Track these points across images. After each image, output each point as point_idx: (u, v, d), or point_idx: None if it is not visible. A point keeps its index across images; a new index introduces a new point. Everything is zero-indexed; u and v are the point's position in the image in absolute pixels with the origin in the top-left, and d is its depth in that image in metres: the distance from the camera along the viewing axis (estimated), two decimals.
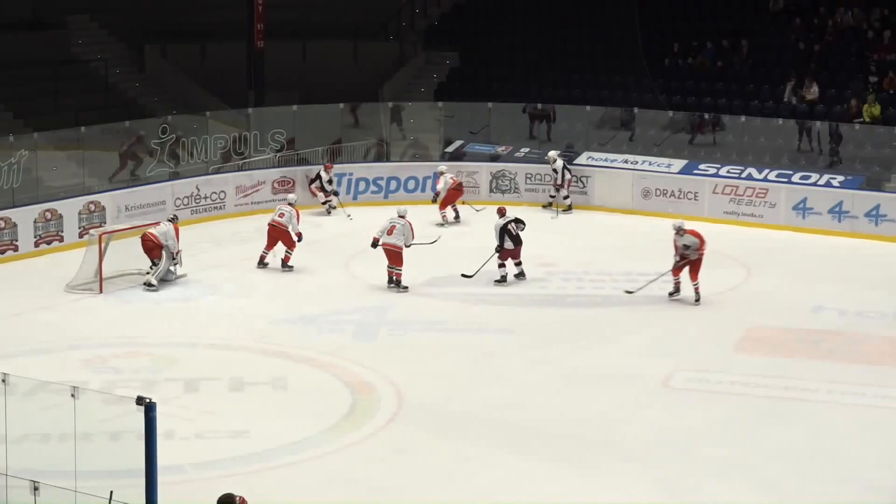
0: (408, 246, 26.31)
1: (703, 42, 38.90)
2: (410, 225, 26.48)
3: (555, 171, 33.67)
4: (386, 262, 26.20)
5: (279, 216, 27.67)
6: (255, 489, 13.97)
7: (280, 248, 27.49)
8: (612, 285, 26.73)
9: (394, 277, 26.09)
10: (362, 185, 34.66)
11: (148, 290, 25.81)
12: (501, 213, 27.17)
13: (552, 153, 33.94)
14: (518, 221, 26.64)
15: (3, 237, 28.33)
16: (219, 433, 18.67)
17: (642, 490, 16.88)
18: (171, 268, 26.32)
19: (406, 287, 25.99)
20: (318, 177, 33.46)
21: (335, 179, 33.67)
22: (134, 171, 32.22)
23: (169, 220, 26.63)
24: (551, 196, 34.02)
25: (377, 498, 16.58)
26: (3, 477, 13.62)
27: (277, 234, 27.59)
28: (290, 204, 28.23)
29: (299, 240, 27.65)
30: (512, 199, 34.15)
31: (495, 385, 20.67)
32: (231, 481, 14.75)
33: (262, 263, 27.60)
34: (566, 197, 33.88)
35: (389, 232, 26.27)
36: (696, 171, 33.78)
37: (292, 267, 27.48)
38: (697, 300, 25.19)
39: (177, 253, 26.15)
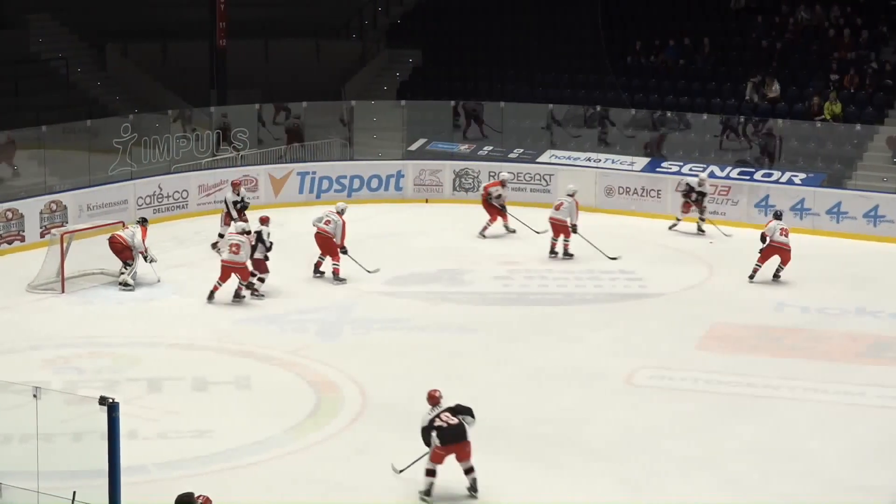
0: (341, 248, 26.41)
1: (665, 40, 39.02)
2: (343, 223, 26.56)
3: (702, 193, 31.20)
4: (342, 261, 26.25)
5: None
6: (218, 489, 13.95)
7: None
8: (575, 283, 26.81)
9: (320, 268, 26.45)
10: (325, 184, 34.61)
11: (124, 289, 25.63)
12: (432, 399, 17.09)
13: (703, 174, 31.99)
14: (459, 411, 16.90)
15: None
16: (182, 433, 18.63)
17: (606, 488, 16.94)
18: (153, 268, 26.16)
19: (344, 279, 26.17)
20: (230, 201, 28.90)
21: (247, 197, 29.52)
22: None
23: (137, 223, 26.47)
24: (701, 219, 31.30)
25: (342, 497, 16.59)
26: None
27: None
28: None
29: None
30: (475, 199, 34.13)
31: (459, 384, 20.58)
32: (195, 481, 14.71)
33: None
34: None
35: (326, 223, 26.50)
36: (658, 169, 33.91)
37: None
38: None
39: (146, 251, 25.91)
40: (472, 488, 16.64)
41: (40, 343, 22.63)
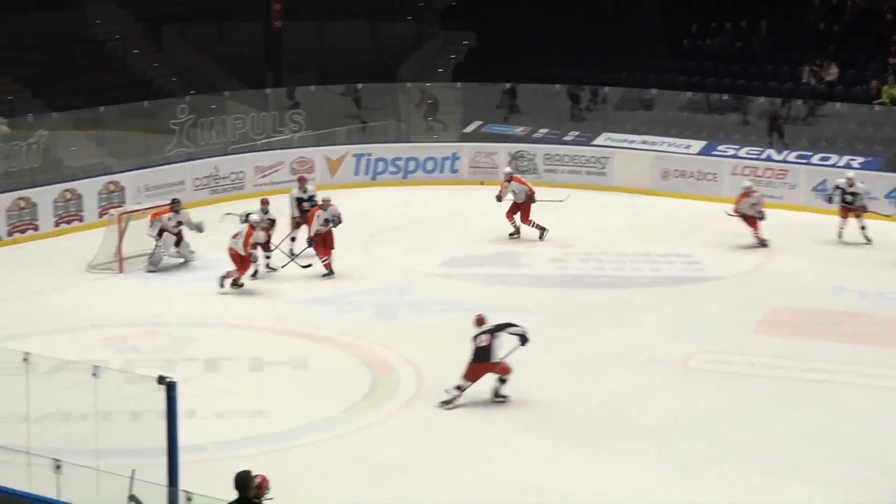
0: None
1: (721, 23, 38.74)
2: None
3: (854, 194, 28.63)
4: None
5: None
6: (275, 469, 13.93)
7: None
8: (632, 266, 26.69)
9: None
10: (381, 166, 34.63)
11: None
12: (478, 322, 19.25)
13: (850, 173, 29.38)
14: (502, 328, 19.18)
15: (23, 217, 28.40)
16: (239, 412, 18.69)
17: (661, 472, 16.85)
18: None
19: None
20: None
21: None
22: None
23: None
24: (862, 227, 28.62)
25: (396, 478, 16.58)
26: (25, 455, 13.64)
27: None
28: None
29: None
30: (531, 180, 34.02)
31: (514, 366, 20.60)
32: (251, 460, 14.72)
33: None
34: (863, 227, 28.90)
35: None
36: (715, 152, 33.70)
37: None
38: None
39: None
40: (497, 394, 18.89)
41: (99, 322, 22.77)
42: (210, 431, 17.69)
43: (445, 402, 18.76)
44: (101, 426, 14.24)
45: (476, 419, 18.47)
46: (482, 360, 18.78)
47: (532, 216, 28.67)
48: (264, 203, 26.20)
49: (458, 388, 18.75)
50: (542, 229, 28.50)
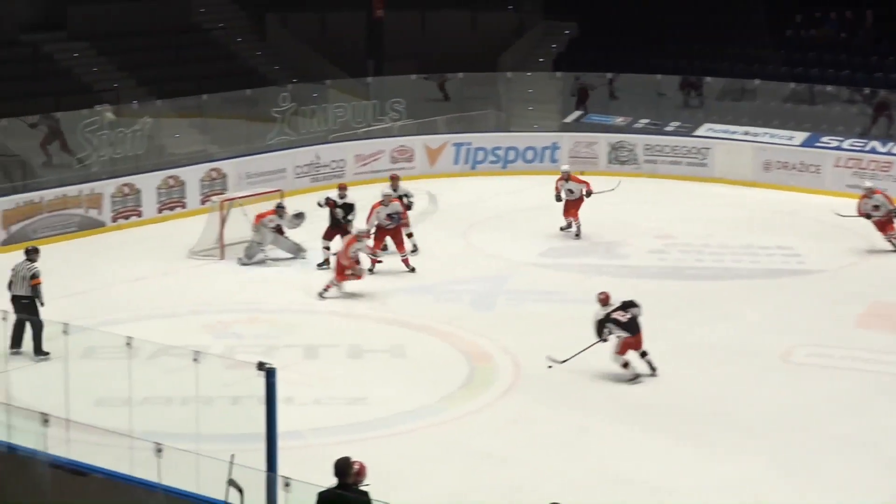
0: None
1: (826, 13, 38.26)
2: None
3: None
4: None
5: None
6: (372, 456, 13.99)
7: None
8: (732, 258, 26.47)
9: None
10: (480, 155, 34.63)
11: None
12: (603, 301, 20.17)
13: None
14: (628, 306, 19.96)
15: (127, 203, 28.77)
16: (337, 399, 18.81)
17: (760, 466, 16.70)
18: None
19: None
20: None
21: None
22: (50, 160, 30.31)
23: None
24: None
25: (494, 467, 16.59)
26: (127, 439, 13.81)
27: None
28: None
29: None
30: (631, 171, 33.94)
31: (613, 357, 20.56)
32: (349, 447, 14.76)
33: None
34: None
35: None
36: (818, 144, 33.32)
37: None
38: None
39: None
40: (652, 367, 19.67)
41: (200, 308, 23.01)
42: (308, 418, 17.80)
43: (632, 380, 19.47)
44: (202, 411, 14.37)
45: (575, 411, 18.43)
46: (636, 332, 19.60)
47: (580, 212, 28.07)
48: (342, 188, 26.26)
49: (626, 364, 19.49)
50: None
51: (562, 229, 28.15)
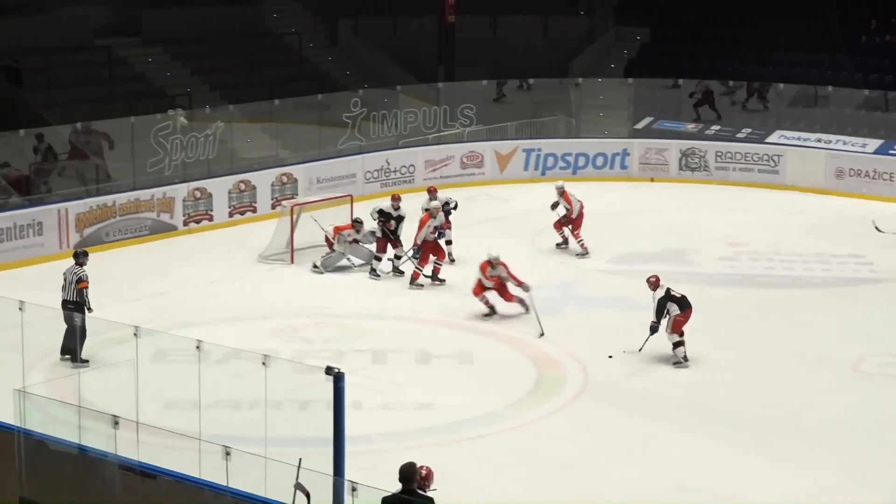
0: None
1: None
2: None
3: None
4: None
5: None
6: (440, 461, 14.02)
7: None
8: (803, 266, 26.26)
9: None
10: (550, 161, 34.55)
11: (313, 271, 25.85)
12: (654, 283, 21.02)
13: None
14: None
15: (198, 207, 28.96)
16: (405, 405, 18.86)
17: (829, 475, 16.58)
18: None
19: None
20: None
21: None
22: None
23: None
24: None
25: (561, 473, 16.57)
26: (196, 442, 13.89)
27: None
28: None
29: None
30: (702, 178, 33.76)
31: (683, 364, 20.47)
32: (416, 453, 14.84)
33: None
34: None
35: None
36: (891, 152, 32.97)
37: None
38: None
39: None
40: (684, 358, 20.29)
41: (270, 312, 23.12)
42: (376, 422, 17.86)
43: (678, 363, 20.29)
44: (270, 415, 14.42)
45: (642, 418, 18.37)
46: (688, 308, 20.48)
47: (582, 232, 27.13)
48: (395, 199, 26.15)
49: (679, 343, 20.32)
50: (585, 251, 27.00)
51: (558, 246, 27.52)
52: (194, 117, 31.24)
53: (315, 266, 25.74)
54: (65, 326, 19.43)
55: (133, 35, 37.10)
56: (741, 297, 24.29)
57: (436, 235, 25.15)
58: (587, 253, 26.89)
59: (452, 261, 26.10)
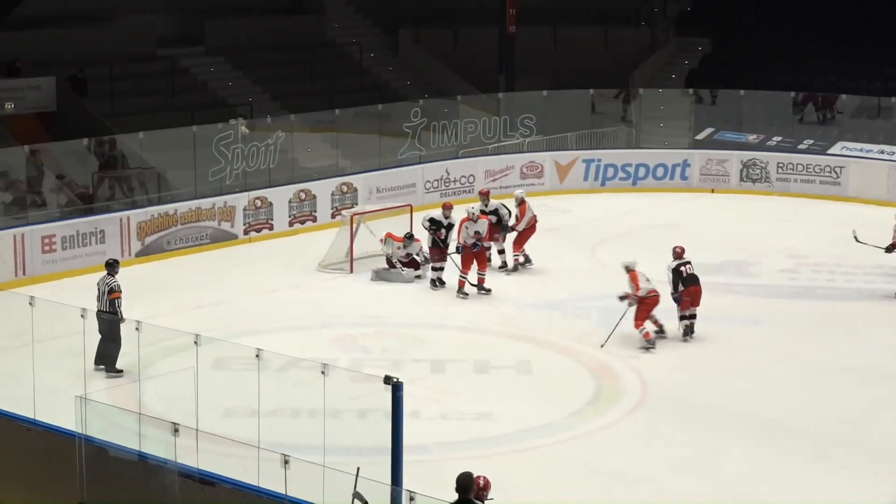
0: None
1: None
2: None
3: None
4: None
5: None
6: (498, 472, 13.99)
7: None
8: (865, 279, 26.03)
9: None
10: (610, 172, 34.47)
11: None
12: (679, 253, 22.36)
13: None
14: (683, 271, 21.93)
15: (259, 216, 29.09)
16: (463, 415, 18.81)
17: (890, 491, 16.39)
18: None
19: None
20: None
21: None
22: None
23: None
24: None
25: (619, 486, 16.47)
26: (254, 450, 13.93)
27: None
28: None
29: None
30: (762, 189, 33.57)
31: (741, 377, 20.34)
32: (474, 463, 14.81)
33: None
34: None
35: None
36: None
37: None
38: None
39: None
40: (689, 330, 21.75)
41: (329, 321, 23.17)
42: (434, 432, 17.84)
43: (687, 333, 21.73)
44: (328, 423, 14.43)
45: (702, 431, 18.25)
46: (697, 283, 21.82)
47: (525, 244, 26.64)
48: (447, 207, 26.12)
49: (689, 317, 21.77)
50: (521, 263, 26.50)
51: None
52: (255, 127, 31.37)
53: (374, 274, 25.77)
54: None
55: (196, 44, 37.36)
56: (802, 310, 24.10)
57: (476, 241, 24.83)
58: (516, 269, 26.46)
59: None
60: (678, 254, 22.21)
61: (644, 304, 21.40)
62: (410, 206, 27.87)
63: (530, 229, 26.54)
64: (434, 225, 25.62)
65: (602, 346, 21.38)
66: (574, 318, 23.43)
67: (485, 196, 26.83)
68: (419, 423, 17.40)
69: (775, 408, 19.11)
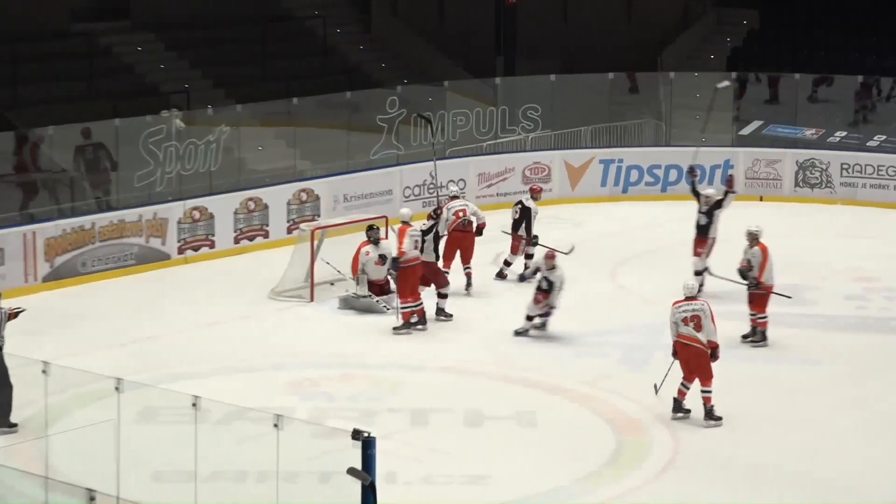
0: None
1: None
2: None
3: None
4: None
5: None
6: None
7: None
8: None
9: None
10: (634, 175, 34.54)
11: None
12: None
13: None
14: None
15: (197, 231, 29.08)
16: (451, 478, 18.80)
17: None
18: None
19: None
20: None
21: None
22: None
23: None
24: None
25: None
26: None
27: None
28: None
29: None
30: (823, 196, 33.65)
31: (796, 429, 20.36)
32: None
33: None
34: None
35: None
36: None
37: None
38: None
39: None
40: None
41: (284, 361, 23.19)
42: (416, 499, 17.83)
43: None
44: (283, 489, 14.46)
45: (748, 497, 18.23)
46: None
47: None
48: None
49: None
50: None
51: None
52: (193, 120, 31.38)
53: (342, 301, 25.82)
54: None
55: (120, 18, 37.31)
56: (871, 346, 24.21)
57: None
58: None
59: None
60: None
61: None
62: (386, 218, 27.85)
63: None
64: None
65: (657, 394, 21.19)
66: (589, 357, 23.47)
67: (535, 192, 27.85)
68: (396, 489, 17.43)
69: (839, 468, 19.12)
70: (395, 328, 24.51)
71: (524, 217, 27.39)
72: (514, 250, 27.53)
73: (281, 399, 20.54)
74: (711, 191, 26.96)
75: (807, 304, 26.34)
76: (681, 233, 29.20)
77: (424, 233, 25.31)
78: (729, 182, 26.97)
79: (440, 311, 25.22)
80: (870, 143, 34.97)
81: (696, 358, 20.39)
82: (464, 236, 26.98)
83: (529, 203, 27.57)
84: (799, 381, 22.37)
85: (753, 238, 24.11)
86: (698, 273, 25.81)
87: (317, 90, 34.41)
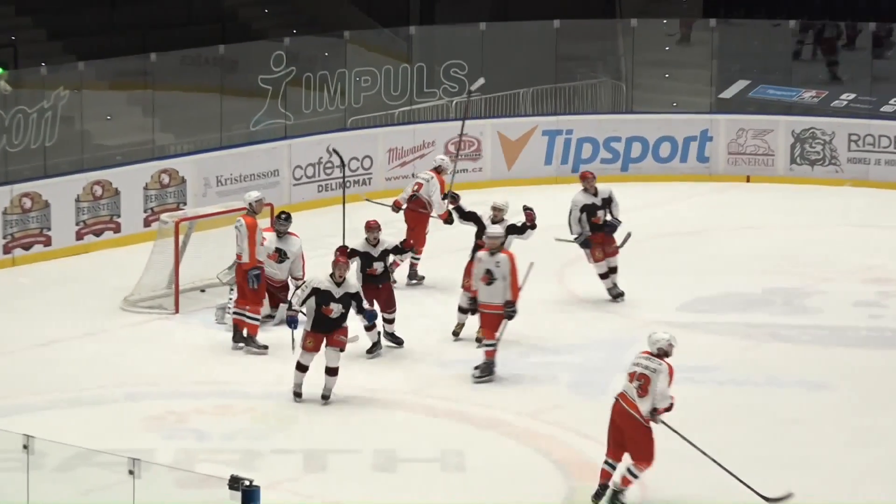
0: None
1: None
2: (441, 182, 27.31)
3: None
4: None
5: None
6: None
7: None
8: None
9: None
10: (587, 150, 34.66)
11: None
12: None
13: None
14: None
15: (29, 223, 28.95)
16: None
17: None
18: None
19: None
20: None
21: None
22: None
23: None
24: None
25: None
26: None
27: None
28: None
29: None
30: (826, 176, 33.87)
31: (798, 468, 20.46)
32: None
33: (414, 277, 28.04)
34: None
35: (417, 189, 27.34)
36: None
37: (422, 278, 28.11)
38: None
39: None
40: None
41: (141, 391, 23.16)
42: None
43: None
44: None
45: None
46: None
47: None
48: (371, 229, 26.20)
49: None
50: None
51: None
52: (23, 81, 31.26)
53: (222, 312, 25.79)
54: None
55: None
56: (888, 366, 24.38)
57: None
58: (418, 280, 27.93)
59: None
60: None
61: None
62: (271, 205, 27.81)
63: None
64: (362, 259, 25.35)
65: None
66: (532, 382, 23.53)
67: (588, 180, 27.71)
68: None
69: None
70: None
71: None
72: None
73: (138, 438, 20.54)
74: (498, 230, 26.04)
75: (807, 313, 26.56)
76: (646, 225, 29.37)
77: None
78: (528, 217, 26.09)
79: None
80: (884, 108, 35.15)
81: (631, 428, 19.55)
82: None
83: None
84: (798, 410, 22.50)
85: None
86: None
87: (180, 45, 34.29)
